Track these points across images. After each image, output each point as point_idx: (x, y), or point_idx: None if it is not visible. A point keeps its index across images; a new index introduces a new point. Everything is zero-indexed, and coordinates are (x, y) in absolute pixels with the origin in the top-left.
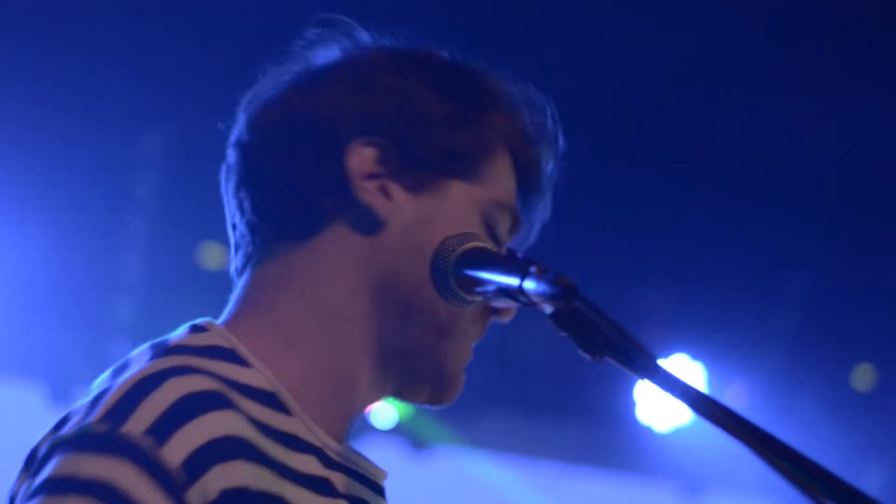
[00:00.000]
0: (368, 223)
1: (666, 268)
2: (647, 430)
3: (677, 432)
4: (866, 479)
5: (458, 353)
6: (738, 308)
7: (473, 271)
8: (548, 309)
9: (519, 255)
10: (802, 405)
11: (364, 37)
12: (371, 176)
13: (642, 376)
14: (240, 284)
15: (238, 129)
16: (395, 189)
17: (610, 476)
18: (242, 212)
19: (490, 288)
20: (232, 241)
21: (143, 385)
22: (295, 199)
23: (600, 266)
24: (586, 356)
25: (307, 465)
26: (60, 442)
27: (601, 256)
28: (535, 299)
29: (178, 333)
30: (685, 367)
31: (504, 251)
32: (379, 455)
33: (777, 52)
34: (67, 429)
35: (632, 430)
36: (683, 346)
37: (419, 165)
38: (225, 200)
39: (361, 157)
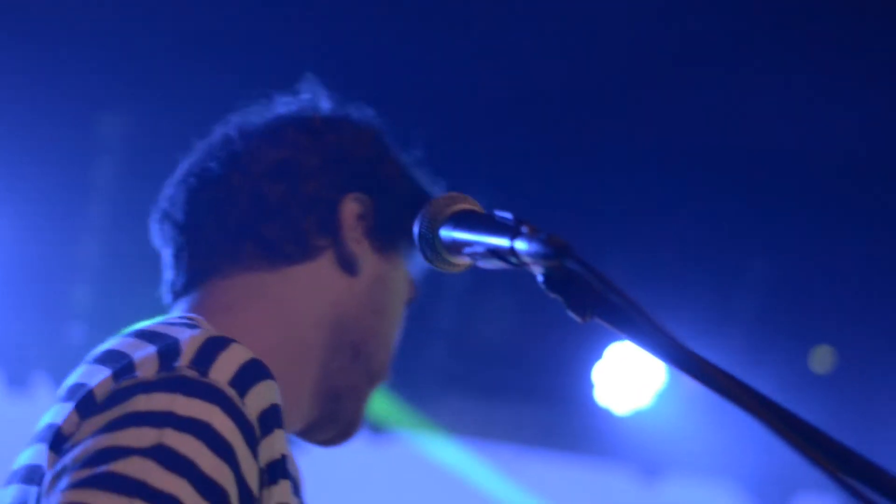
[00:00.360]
0: (350, 266)
1: (626, 248)
2: (605, 413)
3: (636, 415)
4: None
5: (367, 404)
6: (698, 289)
7: (462, 232)
8: (538, 270)
9: (508, 215)
10: (761, 387)
11: (338, 103)
12: (354, 227)
13: (634, 338)
14: (204, 289)
15: (228, 147)
16: (366, 244)
17: (568, 459)
18: (220, 222)
19: (479, 249)
20: (186, 244)
21: (214, 343)
22: (289, 227)
23: None
24: (576, 318)
25: (289, 464)
26: (139, 382)
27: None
28: (526, 260)
29: (173, 319)
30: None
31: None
32: None
33: (745, 36)
34: (143, 373)
35: (590, 412)
36: None
37: (386, 233)
38: (189, 206)
39: (352, 209)
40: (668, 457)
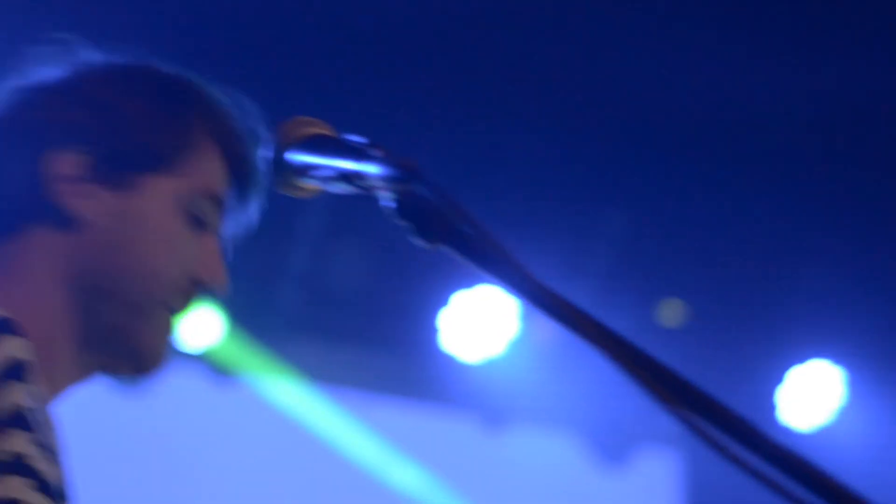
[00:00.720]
0: (67, 223)
1: (477, 198)
2: (451, 360)
3: (484, 364)
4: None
5: (156, 330)
6: (550, 238)
7: (312, 156)
8: (388, 195)
9: (361, 139)
10: None
11: (89, 54)
12: (72, 180)
13: (483, 269)
14: None
15: None
16: (97, 190)
17: (414, 405)
18: None
19: (328, 173)
20: None
21: None
22: (10, 190)
23: None
24: (422, 244)
25: (33, 416)
26: None
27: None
28: (376, 183)
29: None
30: (497, 299)
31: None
32: (180, 382)
33: None
34: None
35: (438, 359)
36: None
37: (120, 166)
38: None
39: (62, 164)
40: (514, 407)
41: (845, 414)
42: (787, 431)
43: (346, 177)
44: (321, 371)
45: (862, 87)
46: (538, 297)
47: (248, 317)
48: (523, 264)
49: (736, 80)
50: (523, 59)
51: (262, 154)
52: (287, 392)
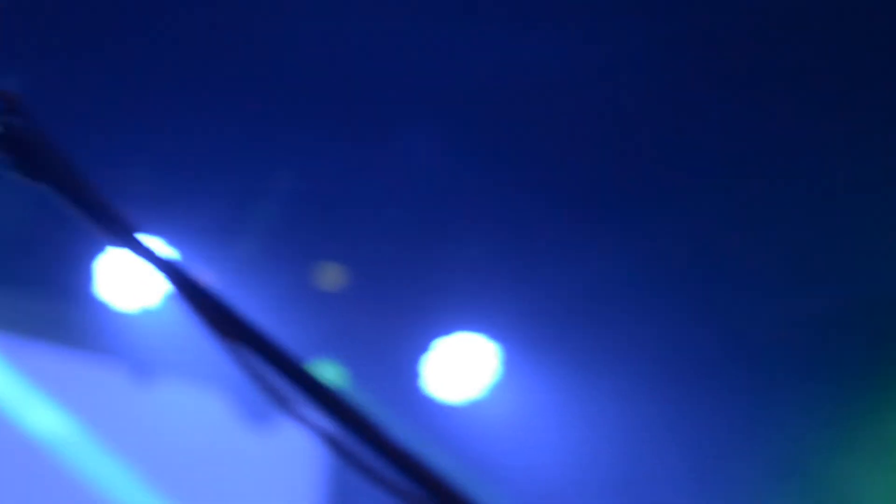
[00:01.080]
0: None
1: (141, 153)
2: (105, 308)
3: (138, 313)
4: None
5: None
6: (212, 198)
7: None
8: None
9: None
10: (263, 298)
11: None
12: None
13: (78, 209)
14: None
15: None
16: None
17: (63, 351)
18: None
19: None
20: None
21: None
22: None
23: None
24: (21, 179)
25: None
26: None
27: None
28: None
29: None
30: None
31: None
32: None
33: None
34: None
35: (91, 306)
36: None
37: None
38: None
39: None
40: (164, 359)
41: (499, 388)
42: (432, 402)
43: None
44: None
45: (547, 59)
46: (132, 245)
47: None
48: (117, 212)
49: (415, 44)
50: (185, 15)
51: None
52: None
